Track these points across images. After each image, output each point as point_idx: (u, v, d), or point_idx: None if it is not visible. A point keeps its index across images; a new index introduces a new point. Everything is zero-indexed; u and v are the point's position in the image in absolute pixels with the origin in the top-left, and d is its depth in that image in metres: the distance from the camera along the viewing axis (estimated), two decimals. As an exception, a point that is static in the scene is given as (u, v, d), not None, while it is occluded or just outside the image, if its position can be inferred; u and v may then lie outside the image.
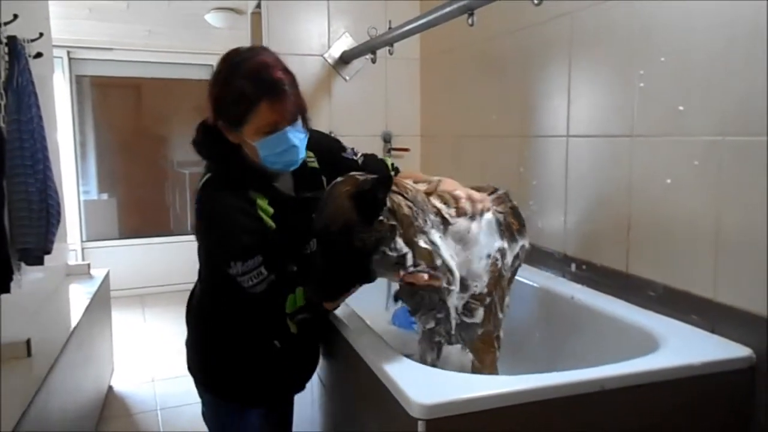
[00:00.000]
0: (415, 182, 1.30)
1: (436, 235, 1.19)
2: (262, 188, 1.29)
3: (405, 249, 1.14)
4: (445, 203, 1.26)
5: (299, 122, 1.25)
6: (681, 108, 1.36)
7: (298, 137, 1.25)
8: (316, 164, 1.42)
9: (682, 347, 1.22)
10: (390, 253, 1.14)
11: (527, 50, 1.95)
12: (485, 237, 1.28)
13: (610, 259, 1.60)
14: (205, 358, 1.43)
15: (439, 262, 1.19)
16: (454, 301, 1.24)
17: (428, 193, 1.27)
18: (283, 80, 1.20)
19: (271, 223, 1.27)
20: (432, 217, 1.21)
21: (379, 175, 1.14)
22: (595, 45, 1.65)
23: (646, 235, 1.49)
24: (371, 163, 1.53)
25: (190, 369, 1.46)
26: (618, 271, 1.57)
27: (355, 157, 1.50)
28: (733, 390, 1.19)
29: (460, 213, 1.25)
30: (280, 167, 1.28)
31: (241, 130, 1.22)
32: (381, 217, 1.12)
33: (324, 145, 1.46)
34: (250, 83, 1.18)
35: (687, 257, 1.37)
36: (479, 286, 1.26)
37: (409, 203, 1.17)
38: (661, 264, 1.45)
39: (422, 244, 1.17)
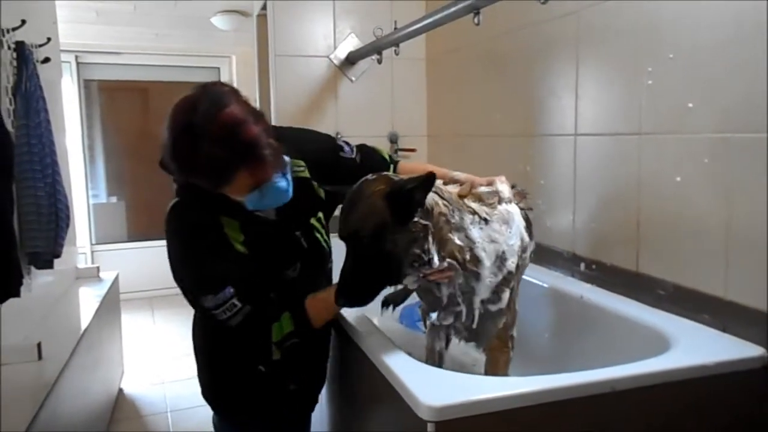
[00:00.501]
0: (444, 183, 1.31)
1: (474, 231, 1.19)
2: (234, 211, 1.19)
3: (434, 250, 1.13)
4: (479, 200, 1.25)
5: (280, 170, 1.16)
6: (690, 105, 1.34)
7: (283, 182, 1.16)
8: (306, 173, 1.33)
9: (694, 347, 1.21)
10: (421, 254, 1.11)
11: (534, 49, 1.94)
12: (519, 218, 1.30)
13: (620, 258, 1.59)
14: (206, 378, 1.42)
15: (467, 255, 1.18)
16: (486, 284, 1.22)
17: (461, 196, 1.24)
18: (257, 140, 1.08)
19: (241, 249, 1.19)
20: (468, 216, 1.20)
21: (422, 175, 1.07)
22: (602, 43, 1.63)
23: (656, 233, 1.48)
24: (370, 159, 1.47)
25: (204, 394, 1.45)
26: (628, 270, 1.56)
27: (353, 155, 1.44)
28: (745, 390, 1.17)
29: (499, 200, 1.28)
30: (262, 209, 1.22)
31: (222, 190, 1.13)
32: (415, 218, 1.09)
33: (317, 152, 1.38)
34: (221, 149, 1.05)
35: (697, 255, 1.35)
36: (513, 263, 1.25)
37: (445, 201, 1.16)
38: (671, 263, 1.43)
39: (457, 240, 1.16)
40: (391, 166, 1.52)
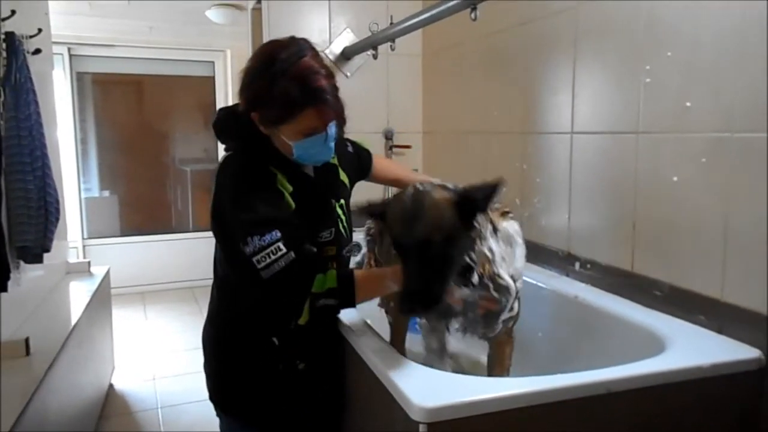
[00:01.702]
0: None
1: (492, 243, 1.20)
2: (283, 165, 1.27)
3: (475, 258, 1.15)
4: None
5: (334, 127, 1.25)
6: (688, 104, 1.33)
7: (332, 140, 1.26)
8: (335, 160, 1.42)
9: (689, 348, 1.20)
10: (469, 263, 1.14)
11: (531, 45, 1.92)
12: (520, 237, 1.30)
13: (615, 258, 1.58)
14: (216, 372, 1.40)
15: (495, 269, 1.20)
16: (513, 297, 1.25)
17: None
18: (327, 89, 1.20)
19: (290, 200, 1.25)
20: (489, 226, 1.20)
21: (491, 183, 1.09)
22: (600, 40, 1.62)
23: (652, 233, 1.47)
24: (360, 151, 1.58)
25: (211, 397, 1.43)
26: (623, 270, 1.55)
27: (350, 150, 1.53)
28: (741, 392, 1.17)
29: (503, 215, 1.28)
30: (312, 163, 1.31)
31: (278, 128, 1.22)
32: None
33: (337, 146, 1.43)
34: (296, 88, 1.17)
35: (694, 256, 1.34)
36: (521, 283, 1.28)
37: None
38: (667, 263, 1.42)
39: (485, 250, 1.18)
40: (371, 156, 1.62)
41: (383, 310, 1.59)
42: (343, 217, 1.39)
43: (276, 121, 1.21)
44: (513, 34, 2.01)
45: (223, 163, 1.29)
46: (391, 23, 2.28)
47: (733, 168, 1.23)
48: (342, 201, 1.41)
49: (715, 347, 1.20)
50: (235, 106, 1.30)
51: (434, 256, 1.05)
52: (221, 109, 1.37)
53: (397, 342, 1.48)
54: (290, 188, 1.25)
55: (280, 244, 1.15)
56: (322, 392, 1.41)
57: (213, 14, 3.75)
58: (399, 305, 1.08)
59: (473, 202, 1.08)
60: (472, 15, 1.62)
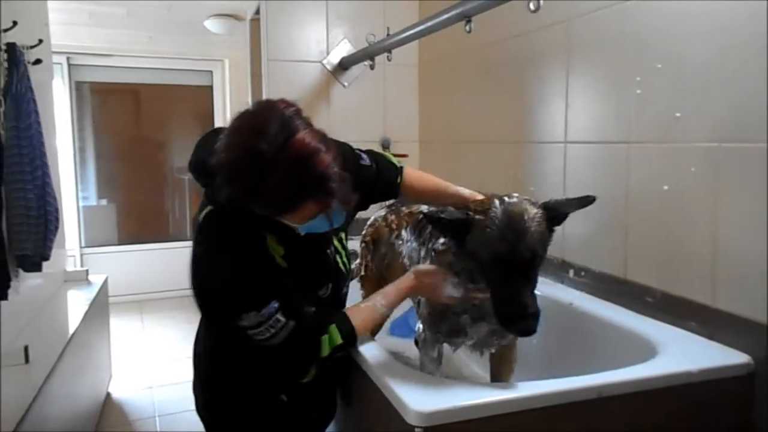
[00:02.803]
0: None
1: None
2: (271, 224, 1.12)
3: None
4: None
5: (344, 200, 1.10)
6: (678, 114, 1.36)
7: (340, 214, 1.15)
8: None
9: (681, 354, 1.22)
10: None
11: (525, 57, 1.96)
12: None
13: (608, 265, 1.60)
14: (211, 405, 1.33)
15: None
16: None
17: None
18: (329, 171, 1.02)
19: (282, 263, 1.14)
20: None
21: (582, 199, 1.12)
22: (592, 52, 1.65)
23: (644, 241, 1.49)
24: (382, 166, 1.41)
25: (198, 411, 1.37)
26: (616, 277, 1.57)
27: (369, 163, 1.38)
28: (731, 397, 1.18)
29: None
30: (312, 233, 1.17)
31: (276, 218, 1.10)
32: None
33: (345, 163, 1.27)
34: (293, 180, 1.00)
35: (685, 263, 1.36)
36: None
37: None
38: (658, 270, 1.45)
39: None
40: (401, 170, 1.45)
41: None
42: (342, 252, 1.32)
43: (271, 215, 1.09)
44: (507, 46, 2.04)
45: (203, 223, 1.13)
46: (388, 34, 2.32)
47: (721, 177, 1.26)
48: (342, 234, 1.32)
49: (705, 353, 1.22)
50: (212, 145, 1.08)
51: (535, 268, 1.05)
52: (201, 147, 1.17)
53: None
54: (281, 250, 1.14)
55: (279, 316, 1.08)
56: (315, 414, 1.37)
57: (211, 25, 3.78)
58: (509, 325, 1.03)
59: (561, 216, 1.10)
60: (467, 27, 1.65)
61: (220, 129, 1.11)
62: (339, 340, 1.14)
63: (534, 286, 1.06)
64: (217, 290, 1.12)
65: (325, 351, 1.13)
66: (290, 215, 1.08)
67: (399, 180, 1.41)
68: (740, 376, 1.18)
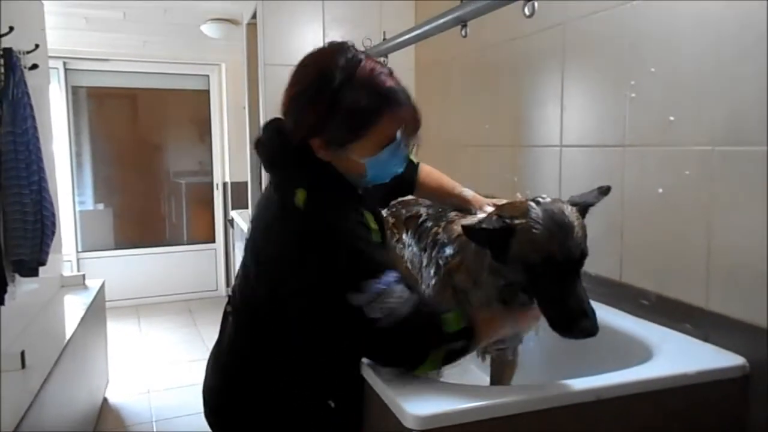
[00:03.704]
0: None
1: None
2: (363, 203, 1.12)
3: None
4: None
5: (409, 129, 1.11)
6: (672, 118, 1.37)
7: (404, 146, 1.11)
8: None
9: (676, 356, 1.22)
10: None
11: (520, 61, 1.97)
12: None
13: (604, 268, 1.61)
14: (244, 411, 1.18)
15: None
16: None
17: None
18: (397, 88, 1.07)
19: (378, 239, 1.10)
20: None
21: (599, 189, 1.10)
22: (587, 55, 1.66)
23: (639, 243, 1.50)
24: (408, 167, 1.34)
25: (214, 416, 1.24)
26: (612, 279, 1.58)
27: None
28: (726, 399, 1.19)
29: None
30: (377, 181, 1.14)
31: (347, 148, 1.06)
32: None
33: None
34: (365, 95, 1.03)
35: (680, 266, 1.37)
36: None
37: None
38: (654, 272, 1.45)
39: None
40: (417, 165, 1.44)
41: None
42: None
43: (346, 141, 1.05)
44: (503, 50, 2.05)
45: (309, 208, 1.05)
46: (384, 39, 2.33)
47: (715, 180, 1.27)
48: None
49: (701, 355, 1.23)
50: (281, 124, 1.12)
51: (582, 265, 1.02)
52: (270, 129, 1.16)
53: None
54: (375, 225, 1.10)
55: (400, 287, 1.01)
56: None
57: (208, 29, 3.79)
58: (571, 328, 0.99)
59: (589, 205, 1.08)
60: (463, 32, 1.66)
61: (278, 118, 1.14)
62: (459, 326, 1.03)
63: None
64: (335, 267, 1.03)
65: (454, 326, 1.02)
66: (365, 139, 1.05)
67: (416, 176, 1.42)
68: (735, 378, 1.18)
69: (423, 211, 1.40)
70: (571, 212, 1.04)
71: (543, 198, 1.06)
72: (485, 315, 1.13)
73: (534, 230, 1.00)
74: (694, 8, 1.30)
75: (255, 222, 1.20)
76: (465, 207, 1.36)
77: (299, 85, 1.08)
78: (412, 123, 1.09)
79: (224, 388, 1.21)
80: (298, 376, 1.15)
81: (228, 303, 1.27)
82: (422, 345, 1.03)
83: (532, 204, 1.04)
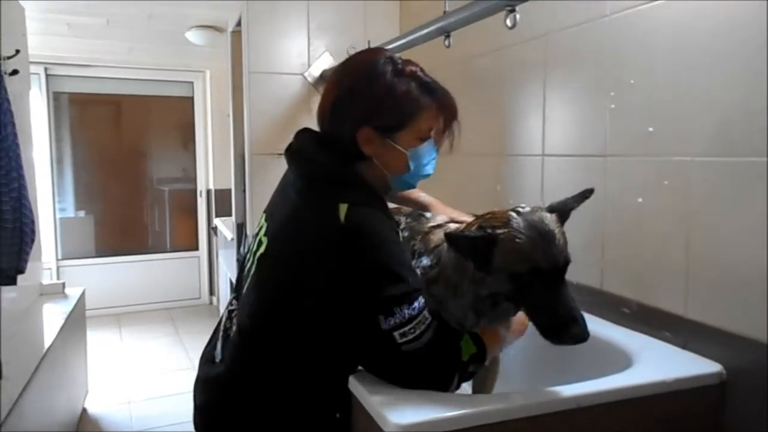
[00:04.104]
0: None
1: None
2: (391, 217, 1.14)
3: None
4: None
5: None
6: (651, 129, 1.39)
7: (435, 148, 1.20)
8: None
9: (655, 364, 1.24)
10: None
11: (503, 71, 1.99)
12: None
13: (585, 276, 1.63)
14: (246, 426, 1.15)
15: None
16: None
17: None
18: (436, 86, 1.18)
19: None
20: None
21: (581, 193, 1.12)
22: (568, 67, 1.69)
23: (620, 252, 1.52)
24: None
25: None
26: (593, 288, 1.60)
27: None
28: (704, 406, 1.21)
29: None
30: (414, 185, 1.21)
31: (397, 134, 1.13)
32: None
33: None
34: (414, 85, 1.13)
35: (659, 274, 1.39)
36: None
37: None
38: (634, 281, 1.47)
39: None
40: None
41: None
42: None
43: (397, 126, 1.12)
44: (486, 61, 2.08)
45: (356, 219, 1.04)
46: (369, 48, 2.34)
47: (693, 190, 1.29)
48: None
49: (679, 362, 1.25)
50: (316, 134, 1.18)
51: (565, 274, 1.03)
52: (306, 138, 1.19)
53: None
54: (401, 239, 1.12)
55: (426, 312, 1.03)
56: None
57: (193, 36, 3.78)
58: (564, 336, 1.00)
59: (569, 211, 1.10)
60: (446, 42, 1.68)
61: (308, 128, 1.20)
62: (474, 350, 1.07)
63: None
64: (379, 284, 1.03)
65: (465, 355, 1.05)
66: (412, 127, 1.13)
67: None
68: (712, 385, 1.20)
69: (402, 220, 1.41)
70: (551, 220, 1.05)
71: (522, 207, 1.06)
72: (488, 333, 1.15)
73: (517, 240, 1.01)
74: (672, 23, 1.33)
75: (278, 238, 1.16)
76: (424, 210, 1.41)
77: (348, 80, 1.15)
78: (450, 114, 1.20)
79: (222, 401, 1.16)
80: (305, 388, 1.13)
81: (227, 319, 1.23)
82: (446, 369, 1.05)
83: (513, 214, 1.04)
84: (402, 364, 1.04)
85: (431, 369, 1.05)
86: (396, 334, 1.01)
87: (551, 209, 1.09)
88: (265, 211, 1.27)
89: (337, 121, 1.14)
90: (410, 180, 1.19)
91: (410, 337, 1.01)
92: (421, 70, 1.17)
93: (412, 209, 1.44)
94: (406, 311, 1.01)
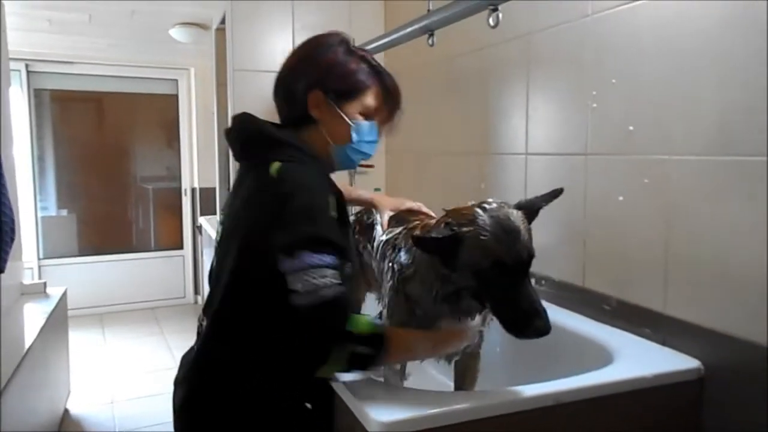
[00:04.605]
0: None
1: None
2: (332, 186, 1.15)
3: None
4: None
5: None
6: (631, 128, 1.41)
7: (377, 134, 1.25)
8: None
9: (635, 360, 1.26)
10: None
11: (486, 70, 2.00)
12: None
13: (568, 274, 1.64)
14: (220, 422, 1.13)
15: None
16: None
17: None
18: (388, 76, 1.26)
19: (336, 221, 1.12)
20: None
21: (550, 192, 1.14)
22: (551, 66, 1.70)
23: (601, 250, 1.54)
24: None
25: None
26: (575, 285, 1.61)
27: None
28: (683, 401, 1.23)
29: None
30: (354, 161, 1.24)
31: (344, 103, 1.18)
32: None
33: None
34: (366, 66, 1.20)
35: (639, 272, 1.41)
36: None
37: None
38: (615, 278, 1.49)
39: None
40: None
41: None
42: None
43: (345, 95, 1.17)
44: (469, 60, 2.08)
45: (283, 170, 1.08)
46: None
47: (672, 188, 1.31)
48: None
49: (658, 358, 1.26)
50: (252, 116, 1.22)
51: (530, 266, 1.04)
52: (242, 118, 1.23)
53: None
54: (335, 215, 1.09)
55: (335, 273, 1.01)
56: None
57: (177, 33, 3.74)
58: (526, 329, 1.00)
59: (537, 209, 1.11)
60: (430, 41, 1.68)
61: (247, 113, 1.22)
62: (368, 330, 1.03)
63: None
64: (287, 221, 1.03)
65: (357, 327, 1.02)
66: (357, 100, 1.19)
67: None
68: (691, 381, 1.22)
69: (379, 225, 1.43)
70: (516, 216, 1.06)
71: (489, 203, 1.07)
72: (400, 332, 1.15)
73: (482, 237, 1.02)
74: (653, 22, 1.35)
75: (227, 212, 1.22)
76: (368, 207, 1.52)
77: (304, 49, 1.23)
78: (395, 100, 1.26)
79: (196, 390, 1.17)
80: (274, 378, 1.12)
81: (202, 311, 1.23)
82: (327, 336, 1.00)
83: (479, 211, 1.05)
84: (294, 315, 0.99)
85: (314, 331, 1.00)
86: (289, 278, 0.98)
87: (519, 206, 1.10)
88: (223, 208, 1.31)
89: (292, 83, 1.20)
90: (351, 154, 1.21)
91: (307, 285, 0.98)
92: (372, 57, 1.25)
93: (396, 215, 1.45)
94: (306, 258, 0.99)
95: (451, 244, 1.04)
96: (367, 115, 1.20)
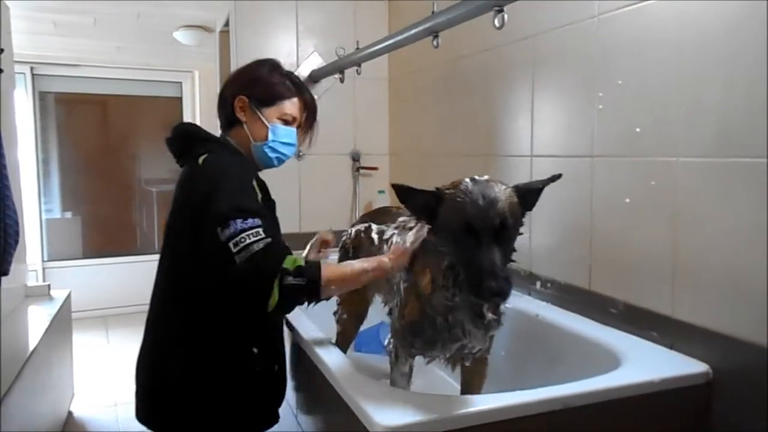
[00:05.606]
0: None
1: None
2: (253, 171, 1.40)
3: None
4: None
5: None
6: (638, 129, 1.40)
7: (295, 141, 1.48)
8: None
9: (643, 364, 1.24)
10: None
11: (492, 72, 1.99)
12: None
13: (574, 277, 1.63)
14: (166, 389, 1.42)
15: None
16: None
17: None
18: (308, 91, 1.52)
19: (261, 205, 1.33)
20: None
21: (549, 177, 1.17)
22: (556, 68, 1.69)
23: (608, 253, 1.52)
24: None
25: (144, 415, 1.47)
26: (581, 288, 1.60)
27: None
28: (691, 405, 1.21)
29: None
30: (271, 159, 1.45)
31: (263, 109, 1.43)
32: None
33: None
34: (287, 80, 1.47)
35: (646, 275, 1.40)
36: None
37: None
38: (622, 281, 1.48)
39: None
40: None
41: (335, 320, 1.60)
42: None
43: (265, 102, 1.43)
44: (474, 61, 2.07)
45: (212, 158, 1.35)
46: (357, 48, 2.33)
47: (679, 191, 1.30)
48: None
49: (666, 362, 1.25)
50: (189, 126, 1.49)
51: (507, 238, 1.08)
52: (179, 129, 1.49)
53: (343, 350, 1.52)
54: (260, 195, 1.32)
55: (260, 230, 1.21)
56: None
57: (181, 36, 3.74)
58: (479, 289, 1.02)
59: (535, 190, 1.14)
60: (434, 42, 1.67)
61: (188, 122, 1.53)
62: (301, 263, 1.21)
63: (506, 256, 1.07)
64: (212, 200, 1.24)
65: (289, 264, 1.19)
66: (277, 107, 1.44)
67: None
68: (699, 385, 1.20)
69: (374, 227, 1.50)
70: (501, 190, 1.10)
71: (480, 176, 1.13)
72: (332, 263, 1.34)
73: (458, 199, 1.09)
74: (660, 22, 1.34)
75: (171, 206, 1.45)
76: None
77: (237, 69, 1.54)
78: (312, 114, 1.52)
79: (151, 355, 1.53)
80: (221, 328, 1.33)
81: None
82: (265, 277, 1.17)
83: (467, 180, 1.12)
84: (235, 272, 1.18)
85: (255, 275, 1.18)
86: (230, 244, 1.18)
87: (517, 188, 1.14)
88: None
89: (225, 91, 1.48)
90: (268, 152, 1.44)
91: (241, 245, 1.18)
92: (297, 77, 1.52)
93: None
94: (239, 224, 1.19)
95: (428, 202, 1.14)
96: (285, 121, 1.45)
